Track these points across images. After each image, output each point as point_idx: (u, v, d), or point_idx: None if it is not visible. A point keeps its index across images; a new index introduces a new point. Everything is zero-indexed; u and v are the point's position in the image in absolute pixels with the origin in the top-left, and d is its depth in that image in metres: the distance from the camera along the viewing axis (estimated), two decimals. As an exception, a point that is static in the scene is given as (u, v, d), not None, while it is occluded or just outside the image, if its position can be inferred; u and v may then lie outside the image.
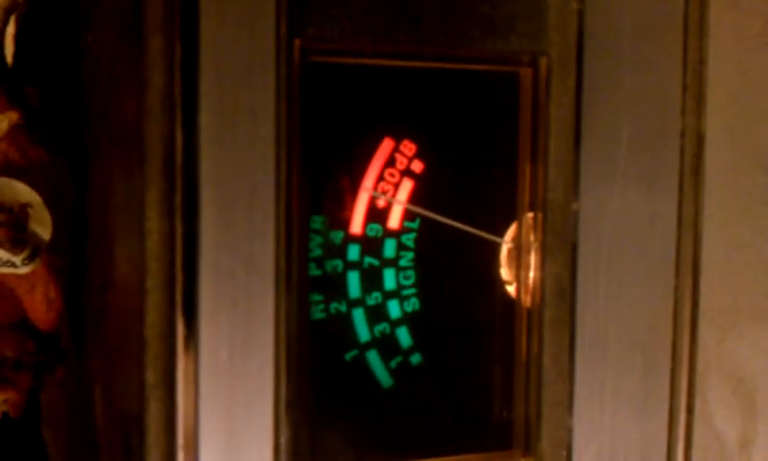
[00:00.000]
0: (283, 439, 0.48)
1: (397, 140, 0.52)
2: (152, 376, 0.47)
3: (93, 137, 0.56)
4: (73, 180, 0.57)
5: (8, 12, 0.59)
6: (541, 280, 0.54)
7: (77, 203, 0.57)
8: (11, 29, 0.63)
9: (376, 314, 0.53)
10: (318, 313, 0.52)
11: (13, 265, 0.55)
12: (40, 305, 0.56)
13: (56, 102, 0.61)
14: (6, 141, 0.56)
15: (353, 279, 0.52)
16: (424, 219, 0.53)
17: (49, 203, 0.55)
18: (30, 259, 0.55)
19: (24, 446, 0.64)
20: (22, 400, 0.57)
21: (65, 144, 0.57)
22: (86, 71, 0.57)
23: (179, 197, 0.46)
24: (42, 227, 0.55)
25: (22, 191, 0.55)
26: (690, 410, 0.55)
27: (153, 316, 0.46)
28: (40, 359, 0.58)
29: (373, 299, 0.53)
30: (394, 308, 0.53)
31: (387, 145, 0.52)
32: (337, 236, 0.52)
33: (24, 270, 0.55)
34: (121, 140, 0.51)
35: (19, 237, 0.55)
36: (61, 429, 0.63)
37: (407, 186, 0.53)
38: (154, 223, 0.46)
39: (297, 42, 0.48)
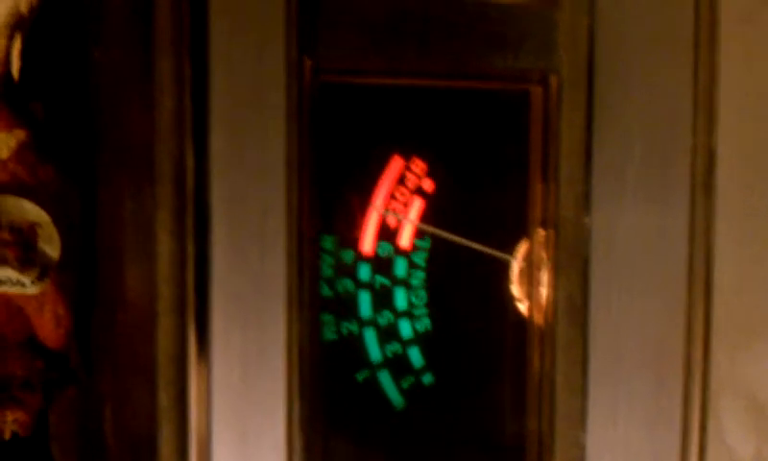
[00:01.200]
0: (296, 459, 0.48)
1: (407, 159, 0.52)
2: (164, 398, 0.47)
3: (102, 155, 0.56)
4: (81, 198, 0.57)
5: (13, 28, 0.58)
6: (553, 298, 0.54)
7: (86, 221, 0.57)
8: (16, 45, 0.63)
9: (388, 334, 0.53)
10: (329, 334, 0.51)
11: (23, 285, 0.55)
12: (49, 324, 0.56)
13: (63, 119, 0.61)
14: (14, 160, 0.55)
15: (364, 299, 0.52)
16: (435, 238, 0.53)
17: (57, 221, 0.55)
18: (39, 279, 0.55)
19: (33, 465, 0.64)
20: (31, 420, 0.57)
21: (74, 162, 0.57)
22: (94, 87, 0.57)
23: (190, 219, 0.46)
24: (51, 246, 0.55)
25: (30, 210, 0.55)
26: (703, 428, 0.55)
27: (164, 340, 0.46)
28: (49, 378, 0.57)
29: (385, 319, 0.52)
30: (405, 328, 0.53)
31: (397, 164, 0.52)
32: (348, 256, 0.52)
33: (33, 290, 0.55)
34: (130, 158, 0.51)
35: (28, 257, 0.54)
36: (71, 449, 0.63)
37: (417, 205, 0.52)
38: (165, 245, 0.46)
39: (307, 63, 0.48)
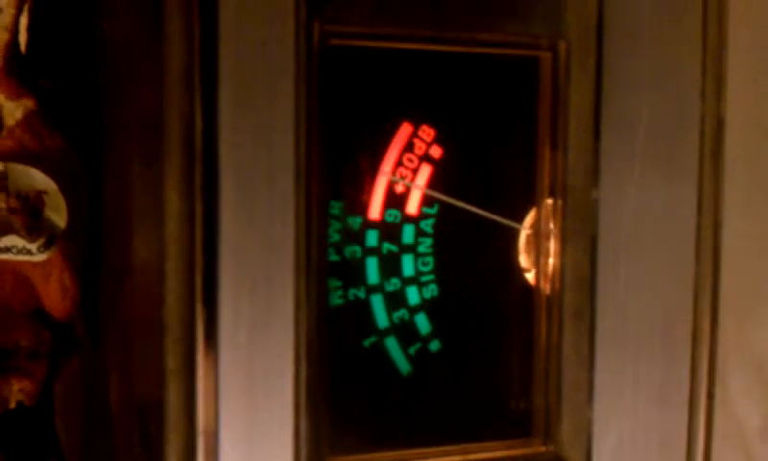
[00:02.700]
0: (303, 424, 0.48)
1: (416, 125, 0.52)
2: (171, 361, 0.46)
3: (110, 123, 0.56)
4: (89, 167, 0.57)
5: (21, 1, 0.58)
6: (561, 267, 0.54)
7: (92, 189, 0.57)
8: (24, 18, 0.63)
9: (395, 300, 0.52)
10: (336, 299, 0.51)
11: (29, 252, 0.55)
12: (56, 294, 0.56)
13: (71, 89, 0.61)
14: (21, 128, 0.55)
15: (372, 265, 0.52)
16: (443, 205, 0.53)
17: (64, 190, 0.55)
18: (45, 247, 0.55)
19: (37, 435, 0.64)
20: (37, 390, 0.57)
21: (81, 131, 0.57)
22: (102, 58, 0.57)
23: (198, 179, 0.46)
24: (58, 214, 0.55)
25: (38, 178, 0.55)
26: (711, 397, 0.54)
27: (172, 299, 0.46)
28: (55, 349, 0.57)
29: (392, 285, 0.52)
30: (412, 295, 0.53)
31: (405, 130, 0.52)
32: (355, 222, 0.51)
33: (40, 257, 0.55)
34: (139, 125, 0.51)
35: (35, 224, 0.54)
36: (76, 419, 0.63)
37: (426, 172, 0.52)
38: (173, 204, 0.46)
39: (316, 25, 0.48)
